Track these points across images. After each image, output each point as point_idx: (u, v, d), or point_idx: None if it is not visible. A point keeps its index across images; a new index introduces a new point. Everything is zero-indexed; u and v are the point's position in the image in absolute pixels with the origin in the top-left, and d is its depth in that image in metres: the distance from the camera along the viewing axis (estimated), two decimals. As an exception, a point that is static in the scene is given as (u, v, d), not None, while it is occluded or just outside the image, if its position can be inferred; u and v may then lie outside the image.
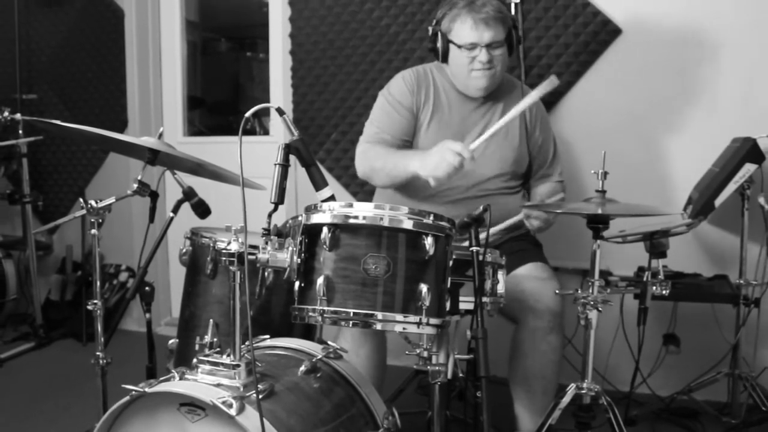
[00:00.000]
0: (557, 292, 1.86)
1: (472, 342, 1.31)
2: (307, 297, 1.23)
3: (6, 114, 3.08)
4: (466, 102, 2.09)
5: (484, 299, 1.41)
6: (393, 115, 2.06)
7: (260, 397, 1.15)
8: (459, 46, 1.96)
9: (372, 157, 2.01)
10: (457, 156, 1.72)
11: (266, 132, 3.56)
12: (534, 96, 1.80)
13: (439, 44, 2.01)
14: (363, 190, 2.95)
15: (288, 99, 3.10)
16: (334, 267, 1.21)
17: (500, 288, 1.49)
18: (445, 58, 2.03)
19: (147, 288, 1.84)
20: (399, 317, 1.20)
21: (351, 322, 1.21)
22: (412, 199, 2.03)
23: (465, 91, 2.06)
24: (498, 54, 1.97)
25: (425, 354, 1.36)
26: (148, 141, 1.68)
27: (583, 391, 1.71)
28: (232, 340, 1.25)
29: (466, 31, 1.94)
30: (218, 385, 1.20)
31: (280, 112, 1.36)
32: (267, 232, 1.27)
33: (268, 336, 1.54)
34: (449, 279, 1.30)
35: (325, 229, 1.21)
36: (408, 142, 2.07)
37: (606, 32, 2.56)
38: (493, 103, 2.11)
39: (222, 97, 4.43)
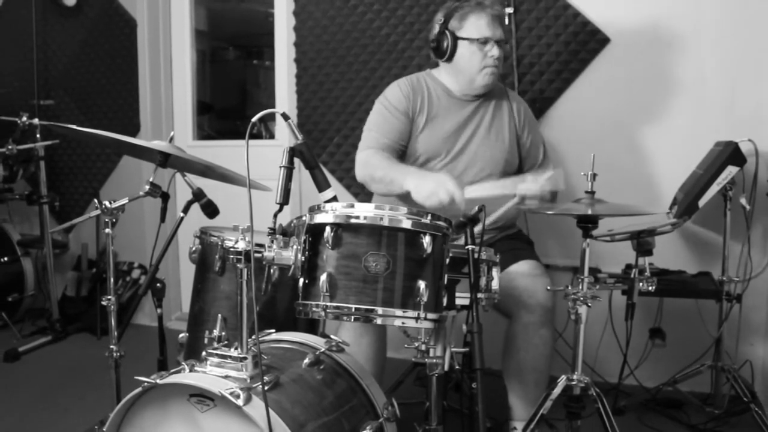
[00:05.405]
0: (549, 288, 1.86)
1: (467, 336, 1.31)
2: (311, 293, 1.23)
3: (24, 119, 3.09)
4: (459, 105, 2.09)
5: (479, 295, 1.41)
6: (390, 120, 2.04)
7: (266, 388, 1.16)
8: (472, 41, 1.97)
9: (373, 166, 1.97)
10: (449, 197, 1.67)
11: (272, 136, 3.55)
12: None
13: (446, 43, 2.00)
14: (364, 192, 2.94)
15: (293, 104, 3.09)
16: (336, 264, 1.21)
17: (494, 284, 1.50)
18: (451, 57, 2.02)
19: (158, 284, 1.84)
20: (398, 312, 1.20)
21: (353, 317, 1.20)
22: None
23: (469, 87, 2.05)
24: (502, 53, 2.00)
25: (423, 347, 1.36)
26: (159, 144, 1.67)
27: (574, 383, 1.71)
28: (239, 333, 1.25)
29: (482, 26, 1.96)
30: (226, 377, 1.20)
31: (285, 117, 1.36)
32: (272, 231, 1.27)
33: (273, 330, 1.54)
34: (446, 276, 1.30)
35: (327, 229, 1.20)
36: (404, 147, 2.06)
37: (595, 41, 2.56)
38: (485, 104, 2.11)
39: (230, 102, 4.43)
